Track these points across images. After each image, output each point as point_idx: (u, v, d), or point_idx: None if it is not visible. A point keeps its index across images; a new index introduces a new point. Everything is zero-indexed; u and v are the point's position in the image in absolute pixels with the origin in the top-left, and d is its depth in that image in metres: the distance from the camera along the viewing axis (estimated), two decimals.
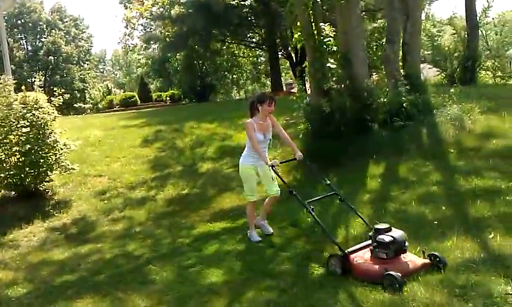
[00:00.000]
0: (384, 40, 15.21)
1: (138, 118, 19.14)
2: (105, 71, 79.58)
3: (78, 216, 9.52)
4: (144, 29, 40.20)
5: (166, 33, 31.93)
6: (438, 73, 19.08)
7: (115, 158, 12.67)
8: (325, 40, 11.01)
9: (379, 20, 23.41)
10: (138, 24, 38.37)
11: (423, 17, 20.54)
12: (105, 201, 10.14)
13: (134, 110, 27.92)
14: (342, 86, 10.91)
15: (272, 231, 7.14)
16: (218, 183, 10.49)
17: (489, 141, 9.59)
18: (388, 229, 5.20)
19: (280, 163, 7.14)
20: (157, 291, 5.68)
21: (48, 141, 10.30)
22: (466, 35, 18.68)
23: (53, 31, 53.74)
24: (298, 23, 11.76)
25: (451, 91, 11.91)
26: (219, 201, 9.49)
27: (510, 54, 26.96)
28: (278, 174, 6.64)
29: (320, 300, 4.88)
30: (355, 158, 9.75)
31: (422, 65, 15.60)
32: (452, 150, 9.43)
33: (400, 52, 12.82)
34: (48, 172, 10.43)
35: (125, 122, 17.84)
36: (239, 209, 8.80)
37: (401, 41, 12.77)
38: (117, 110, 31.21)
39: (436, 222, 6.47)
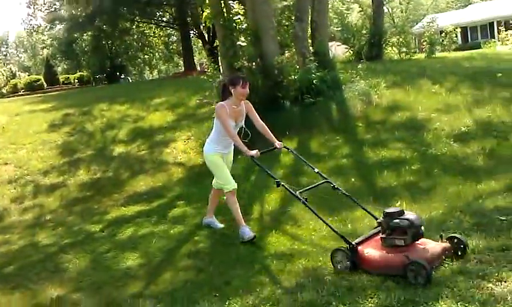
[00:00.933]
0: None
1: (45, 102, 18.36)
2: (8, 54, 75.91)
3: None
4: (48, 8, 38.31)
5: (74, 12, 30.68)
6: (347, 50, 19.62)
7: (21, 144, 12.09)
8: (234, 18, 11.01)
9: None
10: (43, 4, 36.62)
11: None
12: (13, 190, 9.67)
13: (40, 94, 26.68)
14: (253, 63, 10.97)
15: (222, 225, 6.47)
16: (131, 166, 10.30)
17: (394, 114, 10.06)
18: (401, 212, 4.58)
19: (261, 153, 5.92)
20: (70, 279, 5.50)
21: None
22: (372, 12, 19.37)
23: None
24: (207, 1, 11.66)
25: (358, 67, 12.32)
26: (133, 184, 9.33)
27: (414, 30, 28.28)
28: (260, 165, 5.89)
29: (237, 275, 4.92)
30: None
31: (331, 43, 16.00)
32: (360, 124, 9.81)
33: (310, 29, 13.06)
34: None
35: (30, 107, 17.04)
36: (153, 191, 8.72)
37: (310, 19, 13.00)
38: (22, 95, 29.72)
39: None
